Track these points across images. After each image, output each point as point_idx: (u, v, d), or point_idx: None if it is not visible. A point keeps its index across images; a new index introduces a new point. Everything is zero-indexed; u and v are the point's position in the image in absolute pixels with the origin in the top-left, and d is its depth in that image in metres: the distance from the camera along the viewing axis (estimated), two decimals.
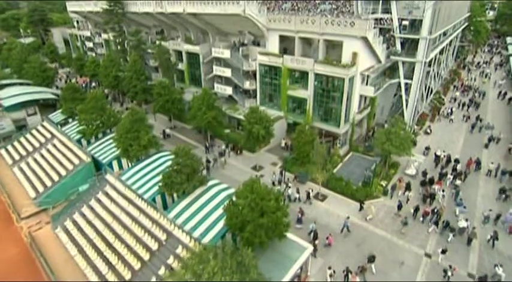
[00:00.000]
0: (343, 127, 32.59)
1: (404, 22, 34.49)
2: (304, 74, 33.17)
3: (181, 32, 45.04)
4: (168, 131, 39.20)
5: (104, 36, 57.52)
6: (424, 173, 29.94)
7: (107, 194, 25.41)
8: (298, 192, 27.32)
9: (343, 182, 28.41)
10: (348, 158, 33.50)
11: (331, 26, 30.59)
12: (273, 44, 35.69)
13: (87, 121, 31.43)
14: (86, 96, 33.83)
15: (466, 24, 64.00)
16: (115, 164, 29.92)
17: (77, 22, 67.18)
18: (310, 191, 27.17)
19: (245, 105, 38.45)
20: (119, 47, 48.00)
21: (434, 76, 45.70)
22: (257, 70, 36.53)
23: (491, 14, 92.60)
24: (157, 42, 43.88)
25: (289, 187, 27.91)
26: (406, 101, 37.09)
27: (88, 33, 62.14)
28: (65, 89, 38.75)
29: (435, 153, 33.39)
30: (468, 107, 45.99)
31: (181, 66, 45.32)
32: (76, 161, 30.07)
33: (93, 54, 61.04)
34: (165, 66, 40.03)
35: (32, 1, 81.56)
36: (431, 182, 28.70)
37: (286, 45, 35.96)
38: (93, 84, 55.55)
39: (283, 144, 35.82)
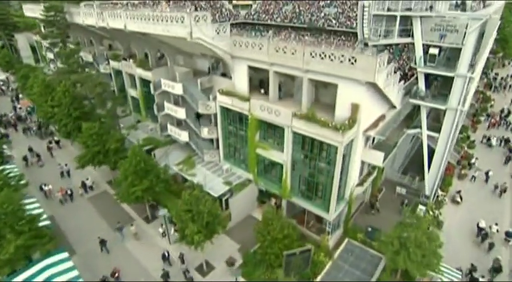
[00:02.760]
0: (335, 210, 20.90)
1: (432, 50, 22.17)
2: (280, 130, 21.44)
3: (137, 51, 33.52)
4: (89, 182, 28.37)
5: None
6: None
7: None
8: None
9: None
10: (341, 250, 21.79)
11: (319, 61, 18.65)
12: (240, 77, 23.92)
13: None
14: None
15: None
16: None
17: (44, 27, 56.00)
18: None
19: (204, 158, 27.02)
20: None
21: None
22: (218, 114, 24.91)
23: None
24: (100, 65, 32.52)
25: None
26: (429, 162, 24.99)
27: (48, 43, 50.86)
28: None
29: (478, 225, 23.39)
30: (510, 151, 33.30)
31: (136, 93, 34.02)
32: None
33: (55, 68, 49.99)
34: (99, 102, 28.63)
35: None
36: None
37: (264, 77, 24.15)
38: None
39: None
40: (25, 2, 64.19)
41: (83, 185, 27.92)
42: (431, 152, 24.99)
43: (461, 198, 26.47)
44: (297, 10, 63.33)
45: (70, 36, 43.91)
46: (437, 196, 26.39)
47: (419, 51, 22.28)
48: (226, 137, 25.50)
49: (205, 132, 25.46)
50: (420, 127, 24.66)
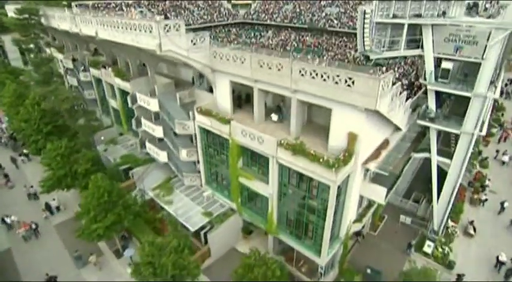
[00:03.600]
0: (327, 253, 17.60)
1: (445, 64, 18.59)
2: (265, 158, 18.12)
3: (119, 58, 30.29)
4: (54, 203, 25.32)
5: (48, 51, 43.22)
6: None
7: None
8: None
9: None
10: None
11: (309, 80, 15.27)
12: (223, 93, 20.61)
13: None
14: None
15: None
16: None
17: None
18: None
19: (184, 182, 23.84)
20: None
21: None
22: (197, 135, 21.64)
23: None
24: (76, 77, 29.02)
25: None
26: (438, 191, 21.52)
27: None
28: None
29: (497, 258, 20.43)
30: None
31: (116, 104, 30.88)
32: None
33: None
34: (69, 118, 25.40)
35: None
36: None
37: (251, 91, 20.76)
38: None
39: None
40: (23, 2, 61.50)
41: (47, 207, 24.88)
42: (440, 173, 21.55)
43: (474, 230, 22.99)
44: (298, 10, 59.48)
45: (56, 39, 40.96)
46: (447, 227, 22.96)
47: (429, 66, 18.71)
48: (207, 160, 22.26)
49: (184, 155, 22.21)
50: (429, 151, 21.19)
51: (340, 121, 15.38)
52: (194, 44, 18.80)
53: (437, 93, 19.57)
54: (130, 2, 52.27)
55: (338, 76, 14.23)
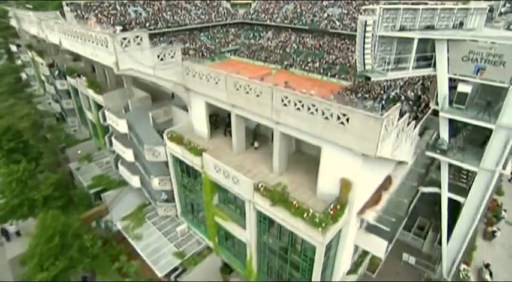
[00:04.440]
0: None
1: (462, 87, 15.20)
2: (241, 200, 14.99)
3: (97, 66, 27.22)
4: (12, 228, 22.34)
5: (29, 54, 40.24)
6: None
7: None
8: None
9: None
10: None
11: (293, 112, 12.09)
12: (198, 116, 17.53)
13: None
14: None
15: None
16: None
17: None
18: None
19: (158, 212, 20.88)
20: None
21: None
22: (170, 164, 18.55)
23: None
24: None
25: None
26: (448, 229, 18.26)
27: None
28: None
29: None
30: None
31: (92, 117, 27.91)
32: None
33: None
34: (30, 136, 22.44)
35: None
36: None
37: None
38: None
39: None
40: (21, 2, 58.78)
41: (4, 232, 22.06)
42: (450, 204, 18.28)
43: (491, 274, 19.73)
44: (299, 10, 55.76)
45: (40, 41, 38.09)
46: (459, 271, 19.73)
47: (443, 88, 15.35)
48: (181, 191, 19.23)
49: (156, 183, 19.17)
50: (438, 185, 17.90)
51: (331, 163, 12.21)
52: (162, 59, 15.69)
53: (451, 120, 16.27)
54: (125, 1, 49.27)
55: (329, 110, 11.05)
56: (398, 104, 11.57)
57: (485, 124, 14.53)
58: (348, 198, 12.07)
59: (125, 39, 14.11)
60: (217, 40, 54.84)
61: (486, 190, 15.90)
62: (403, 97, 23.41)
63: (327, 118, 11.20)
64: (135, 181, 21.15)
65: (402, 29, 15.29)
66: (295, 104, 11.93)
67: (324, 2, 52.52)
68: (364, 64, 14.99)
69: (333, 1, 50.51)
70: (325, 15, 51.29)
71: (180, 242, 19.06)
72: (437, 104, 15.86)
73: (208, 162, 15.13)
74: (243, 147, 16.46)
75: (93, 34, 15.32)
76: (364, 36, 14.71)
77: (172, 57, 16.01)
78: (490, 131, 14.78)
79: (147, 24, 46.83)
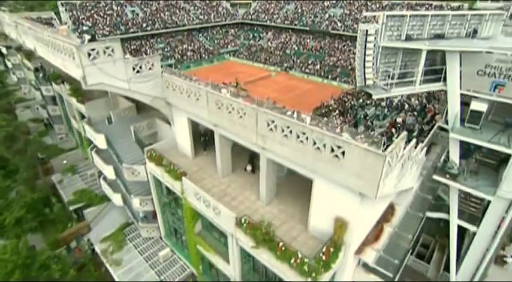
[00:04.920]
0: None
1: (476, 105, 13.25)
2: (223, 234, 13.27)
3: None
4: None
5: (18, 56, 38.65)
6: None
7: None
8: None
9: None
10: None
11: (280, 139, 10.32)
12: (181, 132, 15.83)
13: None
14: None
15: None
16: None
17: None
18: None
19: (141, 233, 19.27)
20: None
21: None
22: (151, 184, 16.85)
23: None
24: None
25: None
26: (458, 258, 16.44)
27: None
28: None
29: None
30: None
31: (77, 125, 26.28)
32: None
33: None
34: (4, 151, 20.86)
35: None
36: None
37: None
38: None
39: None
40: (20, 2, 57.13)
41: None
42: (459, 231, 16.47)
43: None
44: (299, 10, 53.80)
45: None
46: None
47: (454, 106, 13.47)
48: (163, 212, 17.57)
49: (136, 203, 17.54)
50: (447, 211, 16.06)
51: (324, 199, 10.45)
52: (138, 72, 13.96)
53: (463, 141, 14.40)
54: (122, 1, 47.73)
55: (321, 140, 9.27)
56: (405, 133, 9.74)
57: (504, 149, 12.67)
58: (343, 239, 10.32)
59: (93, 50, 12.39)
60: (216, 41, 53.22)
61: (499, 218, 14.06)
62: (406, 106, 21.65)
63: (318, 148, 9.45)
64: (116, 199, 19.52)
65: (408, 38, 13.43)
66: (283, 130, 10.17)
67: (325, 3, 50.55)
68: (365, 79, 13.17)
69: (334, 1, 48.54)
70: (327, 16, 49.30)
71: (162, 268, 17.43)
72: (446, 122, 14.06)
73: (188, 188, 13.43)
74: (229, 170, 14.72)
75: (60, 43, 13.65)
76: (365, 47, 12.87)
77: (150, 69, 14.30)
78: (507, 154, 12.95)
79: (144, 25, 45.37)
